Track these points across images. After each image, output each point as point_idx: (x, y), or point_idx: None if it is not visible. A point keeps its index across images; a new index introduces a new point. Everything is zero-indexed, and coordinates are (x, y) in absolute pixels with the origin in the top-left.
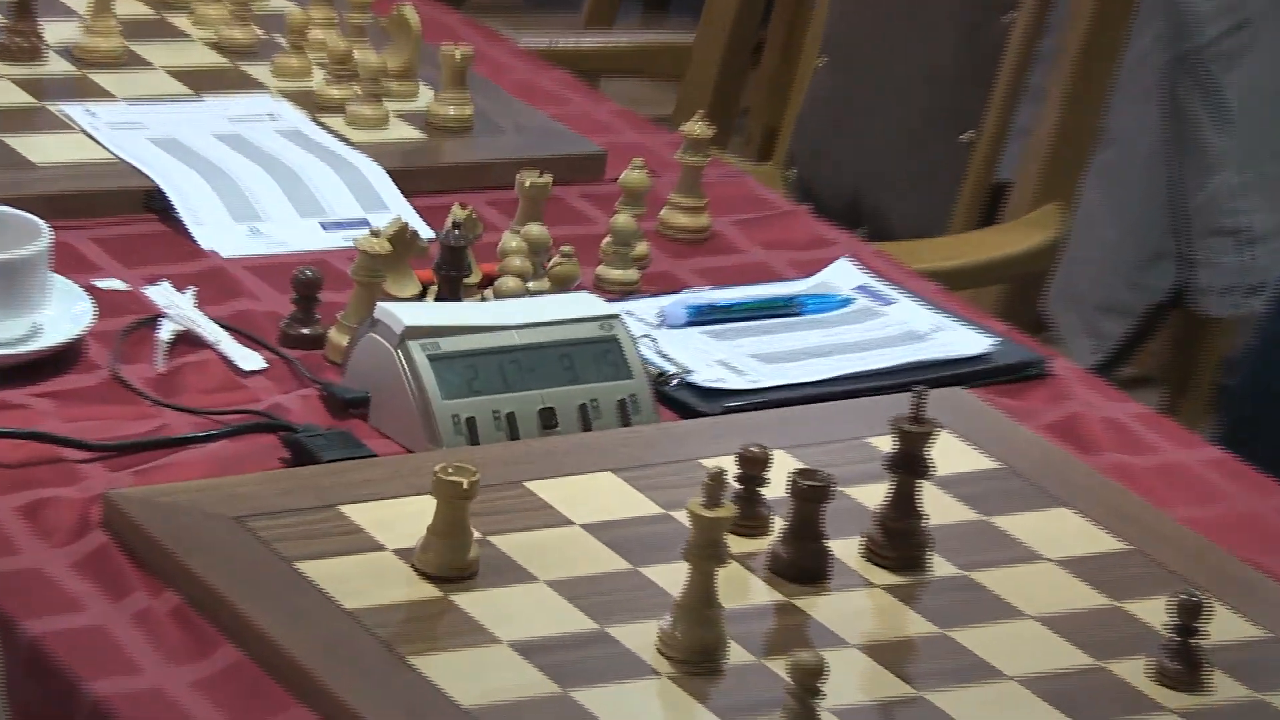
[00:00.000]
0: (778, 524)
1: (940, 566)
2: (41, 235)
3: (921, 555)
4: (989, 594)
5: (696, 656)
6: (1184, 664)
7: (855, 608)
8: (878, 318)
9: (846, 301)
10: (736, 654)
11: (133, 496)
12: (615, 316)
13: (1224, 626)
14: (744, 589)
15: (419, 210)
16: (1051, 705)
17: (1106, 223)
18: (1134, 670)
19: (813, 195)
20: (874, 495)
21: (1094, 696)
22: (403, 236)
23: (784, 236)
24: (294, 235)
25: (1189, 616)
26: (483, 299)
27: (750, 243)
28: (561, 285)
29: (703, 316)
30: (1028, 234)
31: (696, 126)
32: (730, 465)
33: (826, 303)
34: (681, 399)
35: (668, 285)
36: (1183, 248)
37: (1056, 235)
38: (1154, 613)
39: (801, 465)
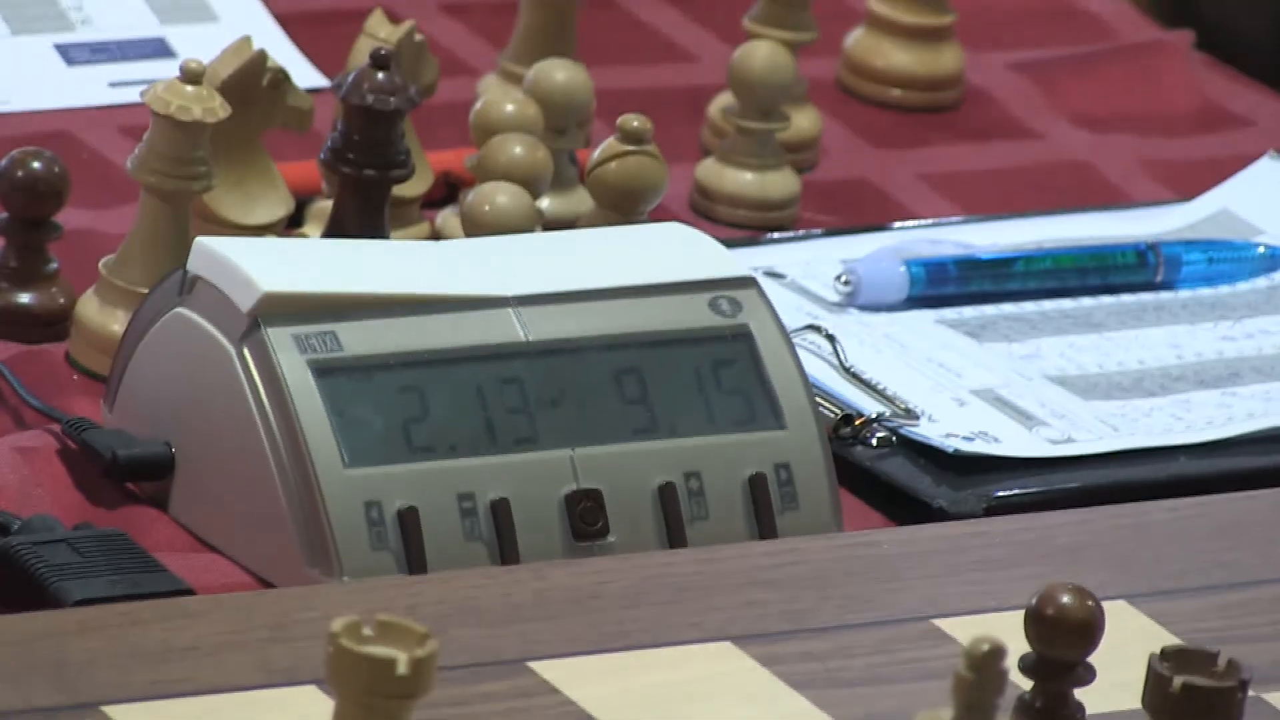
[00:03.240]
0: None
1: None
2: None
3: None
4: None
5: None
6: None
7: None
8: None
9: (1277, 258)
10: None
11: None
12: (748, 284)
13: None
14: None
15: (283, 22)
16: None
17: None
18: None
19: (1201, 19)
20: None
21: None
22: (255, 81)
23: (1135, 101)
24: (4, 75)
25: None
26: (433, 235)
27: (1052, 115)
28: (621, 204)
29: (944, 285)
30: None
31: None
32: (1010, 634)
33: (1231, 260)
34: (897, 478)
35: (864, 211)
36: None
37: None
38: None
39: (1176, 641)
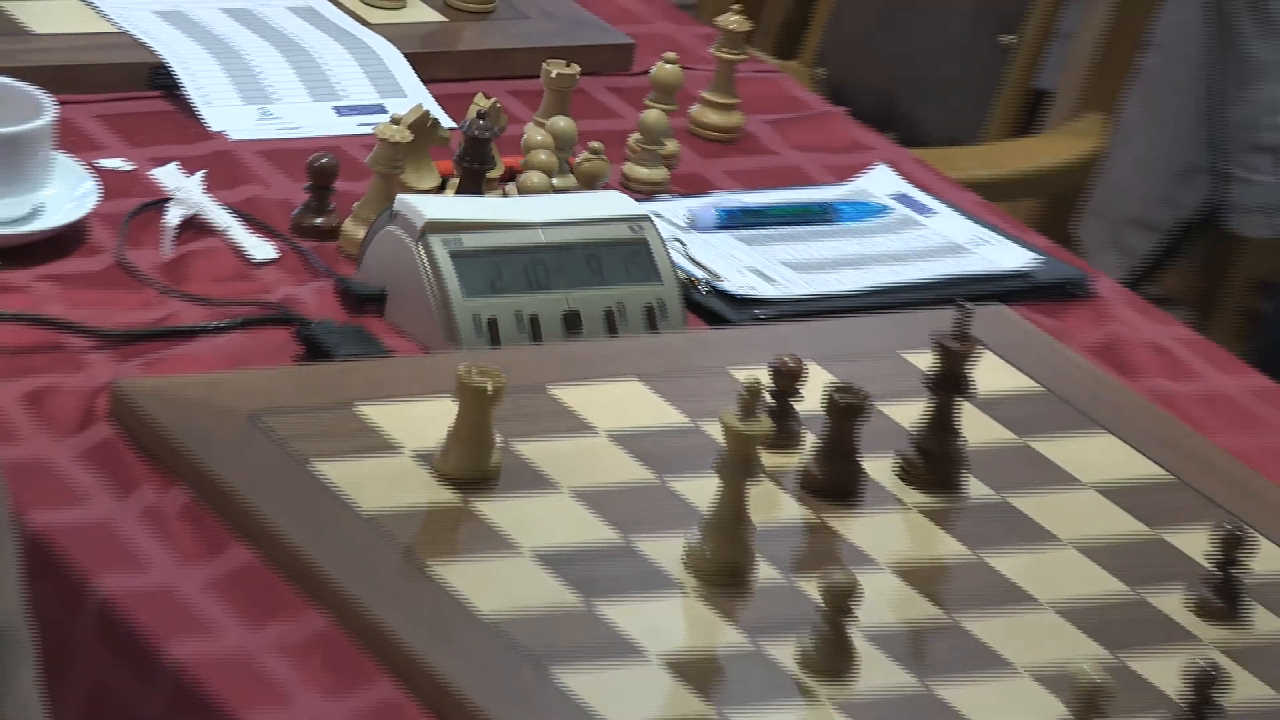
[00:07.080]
0: (810, 440)
1: (976, 489)
2: (45, 109)
3: (957, 477)
4: (1025, 519)
5: (725, 573)
6: (1224, 597)
7: (888, 528)
8: (916, 228)
9: (883, 210)
10: (765, 571)
11: (142, 388)
12: (645, 218)
13: (1266, 559)
14: (774, 506)
15: (436, 98)
16: (1086, 634)
17: (1140, 132)
18: (1172, 602)
19: (843, 96)
20: (909, 413)
21: (1130, 626)
22: (424, 125)
23: (819, 139)
24: (307, 119)
25: (1231, 548)
26: (504, 195)
27: (784, 145)
28: (589, 183)
29: (734, 220)
30: (1067, 144)
31: (733, 20)
32: (762, 377)
33: (863, 211)
34: (711, 306)
35: (698, 186)
36: (1218, 163)
37: (1097, 147)
38: (1194, 543)
39: (835, 379)
